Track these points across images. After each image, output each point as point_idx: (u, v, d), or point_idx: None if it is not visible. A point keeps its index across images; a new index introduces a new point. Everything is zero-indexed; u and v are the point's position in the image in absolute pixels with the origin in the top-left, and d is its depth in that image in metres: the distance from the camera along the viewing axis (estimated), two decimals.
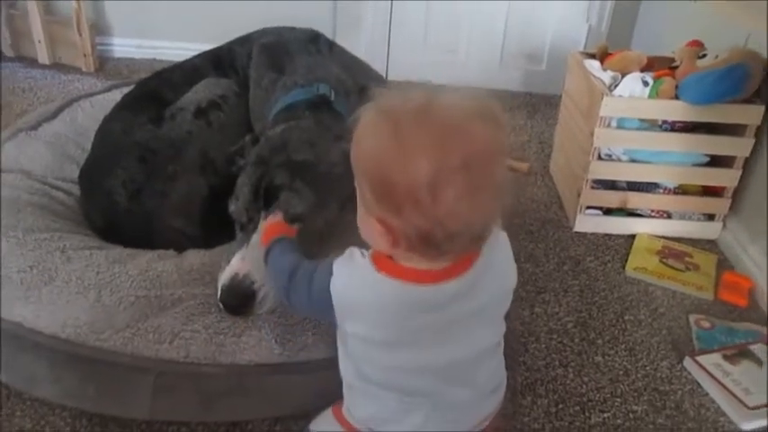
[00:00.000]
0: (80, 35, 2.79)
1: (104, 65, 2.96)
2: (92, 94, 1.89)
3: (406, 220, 0.72)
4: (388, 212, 0.73)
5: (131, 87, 1.66)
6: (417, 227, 0.73)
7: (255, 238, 1.19)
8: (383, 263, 0.81)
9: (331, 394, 0.96)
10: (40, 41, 2.83)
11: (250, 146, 1.31)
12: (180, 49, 1.63)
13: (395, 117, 0.72)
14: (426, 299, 0.80)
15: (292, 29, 1.74)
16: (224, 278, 1.16)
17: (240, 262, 1.16)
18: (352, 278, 0.83)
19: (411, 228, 0.73)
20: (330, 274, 0.84)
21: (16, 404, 1.20)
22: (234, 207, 1.24)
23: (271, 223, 1.10)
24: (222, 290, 1.15)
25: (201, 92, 1.53)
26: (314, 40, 1.67)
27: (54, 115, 1.74)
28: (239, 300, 1.15)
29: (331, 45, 1.70)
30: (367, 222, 0.77)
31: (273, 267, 0.99)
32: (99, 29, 2.99)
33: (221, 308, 1.16)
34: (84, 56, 2.84)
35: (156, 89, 1.56)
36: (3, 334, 1.13)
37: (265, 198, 1.19)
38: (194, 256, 1.29)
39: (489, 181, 0.73)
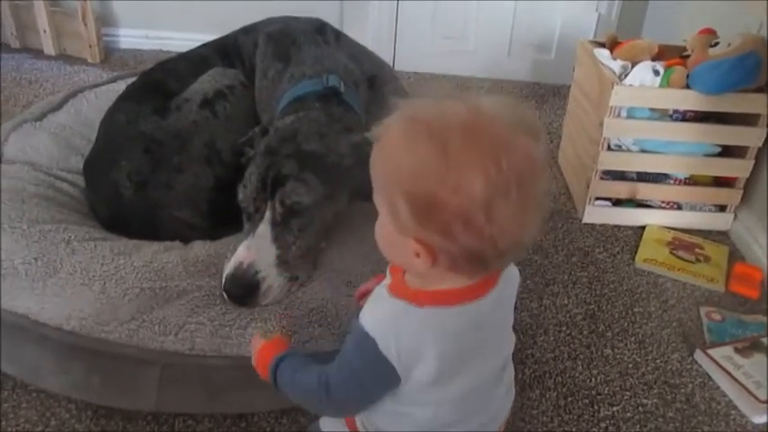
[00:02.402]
0: (85, 26, 2.78)
1: (110, 56, 2.95)
2: (97, 85, 1.88)
3: (454, 240, 0.68)
4: (431, 232, 0.69)
5: (136, 78, 1.64)
6: (467, 246, 0.68)
7: (262, 228, 1.17)
8: (418, 296, 0.75)
9: None
10: (45, 32, 2.82)
11: (259, 137, 1.30)
12: (186, 40, 1.62)
13: (439, 133, 0.68)
14: (474, 317, 0.77)
15: (298, 18, 1.72)
16: (228, 267, 1.15)
17: (245, 251, 1.16)
18: (401, 328, 0.74)
19: (458, 248, 0.69)
20: (369, 341, 0.74)
21: (22, 396, 1.20)
22: (242, 195, 1.23)
23: (258, 349, 0.94)
24: (226, 279, 1.15)
25: (207, 82, 1.52)
26: (320, 30, 1.66)
27: (59, 106, 1.73)
28: (243, 289, 1.14)
29: (338, 35, 1.69)
30: (398, 242, 0.72)
31: (297, 392, 0.86)
32: (105, 20, 2.98)
33: (225, 298, 1.15)
34: (90, 47, 2.83)
35: (161, 80, 1.55)
36: (8, 326, 1.13)
37: (272, 187, 1.18)
38: (200, 248, 1.28)
39: (536, 194, 0.70)
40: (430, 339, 0.74)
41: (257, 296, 1.15)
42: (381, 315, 0.76)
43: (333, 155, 1.23)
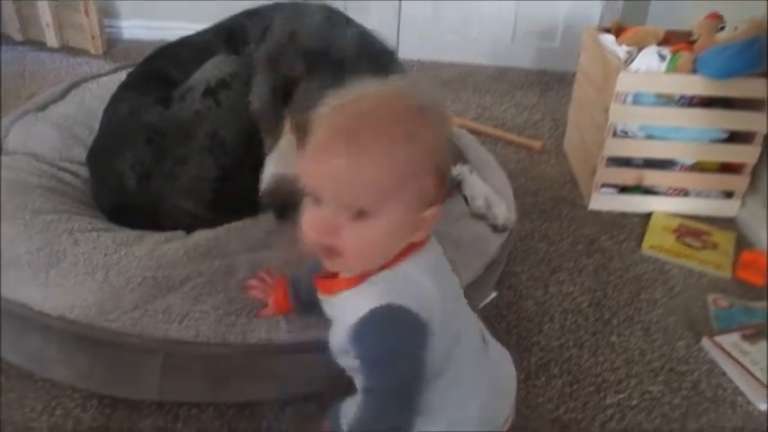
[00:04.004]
0: (87, 18, 2.77)
1: (113, 47, 2.95)
2: (99, 76, 1.87)
3: (445, 183, 0.76)
4: (440, 189, 0.75)
5: (137, 65, 1.63)
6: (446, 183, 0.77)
7: (283, 141, 1.15)
8: (385, 266, 0.78)
9: (342, 376, 0.95)
10: (48, 25, 2.82)
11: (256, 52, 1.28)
12: (189, 31, 1.60)
13: (419, 108, 0.75)
14: (428, 261, 0.82)
15: (307, 4, 1.70)
16: (265, 183, 1.14)
17: (275, 166, 1.14)
18: (405, 288, 0.77)
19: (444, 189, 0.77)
20: (402, 312, 0.75)
21: (27, 385, 1.20)
22: (258, 107, 1.22)
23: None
24: (264, 194, 1.14)
25: (210, 70, 1.50)
26: (330, 15, 1.64)
27: (61, 96, 1.73)
28: (283, 200, 1.13)
29: (348, 19, 1.67)
30: (406, 229, 0.76)
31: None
32: (107, 11, 2.97)
33: (269, 213, 1.14)
34: (93, 38, 2.83)
35: (163, 67, 1.53)
36: (12, 316, 1.13)
37: (284, 95, 1.17)
38: (200, 234, 1.28)
39: None
40: (425, 280, 0.78)
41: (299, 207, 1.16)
42: (385, 290, 0.76)
43: (336, 49, 1.20)
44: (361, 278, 0.79)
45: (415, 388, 0.78)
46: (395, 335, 0.76)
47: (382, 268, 0.78)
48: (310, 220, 0.75)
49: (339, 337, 0.81)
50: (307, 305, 1.07)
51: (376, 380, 0.77)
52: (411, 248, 0.79)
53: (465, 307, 0.91)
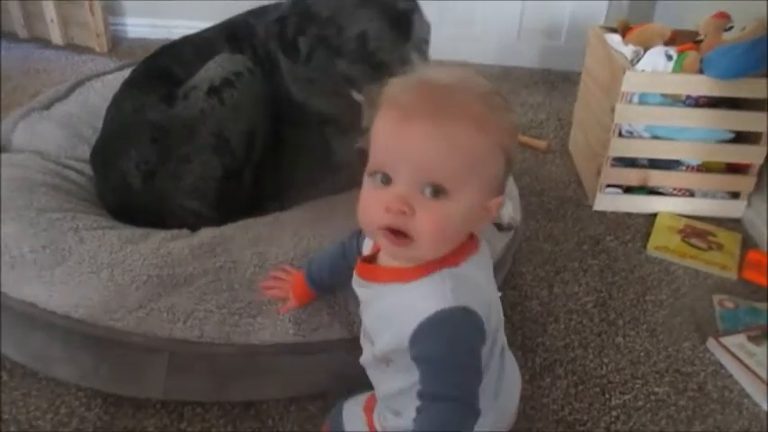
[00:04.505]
0: (92, 15, 2.77)
1: (118, 45, 2.95)
2: (104, 74, 1.88)
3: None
4: (506, 178, 0.75)
5: (140, 63, 1.62)
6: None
7: None
8: (446, 261, 0.74)
9: (346, 375, 0.95)
10: (52, 21, 2.82)
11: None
12: (195, 29, 1.60)
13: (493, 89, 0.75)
14: (478, 265, 0.79)
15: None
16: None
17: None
18: (466, 288, 0.73)
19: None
20: (468, 313, 0.71)
21: (32, 384, 1.20)
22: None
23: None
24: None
25: (214, 69, 1.50)
26: None
27: (66, 95, 1.73)
28: None
29: None
30: (477, 212, 0.73)
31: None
32: (111, 9, 2.97)
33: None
34: (97, 36, 2.83)
35: (167, 65, 1.53)
36: (17, 314, 1.13)
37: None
38: (205, 233, 1.28)
39: None
40: (485, 282, 0.78)
41: None
42: (454, 290, 0.71)
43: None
44: (418, 272, 0.73)
45: (477, 392, 0.72)
46: (465, 338, 0.71)
47: (446, 265, 0.73)
48: (379, 201, 0.70)
49: (384, 330, 0.77)
50: (326, 288, 1.10)
51: (443, 384, 0.70)
52: (472, 247, 0.77)
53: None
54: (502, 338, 0.87)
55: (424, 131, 0.67)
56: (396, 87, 0.72)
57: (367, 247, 0.86)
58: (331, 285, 1.08)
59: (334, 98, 1.41)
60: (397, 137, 0.69)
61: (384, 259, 0.79)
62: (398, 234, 0.70)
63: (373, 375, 0.86)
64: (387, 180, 0.70)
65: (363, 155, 0.74)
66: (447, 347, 0.70)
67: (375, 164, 0.71)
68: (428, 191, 0.68)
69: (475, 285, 0.75)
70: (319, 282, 1.08)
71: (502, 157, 0.72)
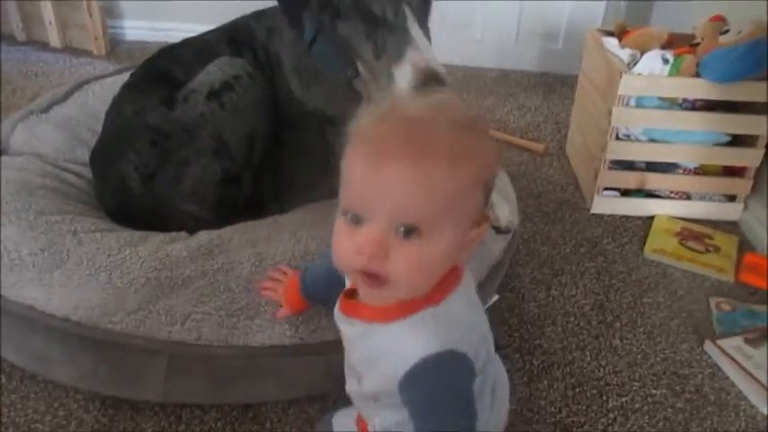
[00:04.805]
0: (91, 18, 2.78)
1: (116, 48, 2.95)
2: (102, 77, 1.88)
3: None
4: (485, 207, 0.73)
5: (140, 65, 1.63)
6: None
7: (414, 29, 1.20)
8: (429, 299, 0.71)
9: (344, 377, 0.95)
10: (50, 24, 2.82)
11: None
12: (193, 32, 1.60)
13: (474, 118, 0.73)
14: (461, 297, 0.77)
15: None
16: (407, 66, 1.18)
17: (416, 52, 1.18)
18: (455, 328, 0.71)
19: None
20: (456, 356, 0.69)
21: (30, 386, 1.20)
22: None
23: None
24: (416, 73, 1.17)
25: (214, 72, 1.50)
26: None
27: (65, 98, 1.73)
28: (433, 78, 1.16)
29: None
30: (456, 248, 0.69)
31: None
32: (110, 12, 2.98)
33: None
34: (96, 39, 2.83)
35: (167, 68, 1.53)
36: (15, 317, 1.13)
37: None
38: (203, 235, 1.28)
39: None
40: (470, 316, 0.76)
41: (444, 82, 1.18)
42: (437, 333, 0.69)
43: None
44: (399, 312, 0.71)
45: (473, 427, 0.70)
46: (453, 382, 0.69)
47: (427, 304, 0.71)
48: (352, 244, 0.67)
49: (372, 372, 0.75)
50: (320, 300, 1.07)
51: (435, 426, 0.68)
52: (454, 281, 0.74)
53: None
54: (494, 358, 0.84)
55: (398, 173, 0.64)
56: (368, 120, 0.68)
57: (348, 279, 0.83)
58: (325, 299, 1.01)
59: (336, 93, 1.40)
60: (370, 178, 0.65)
61: (364, 296, 0.76)
62: (373, 276, 0.67)
63: (362, 407, 0.84)
64: (358, 220, 0.67)
65: None
66: (436, 393, 0.68)
67: (346, 203, 0.68)
68: (402, 232, 0.65)
69: (458, 323, 0.72)
70: (313, 294, 1.06)
71: (480, 190, 0.69)
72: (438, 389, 0.68)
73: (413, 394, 0.69)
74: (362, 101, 1.38)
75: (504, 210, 1.44)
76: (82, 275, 1.15)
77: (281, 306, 1.11)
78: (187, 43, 1.59)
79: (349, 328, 0.78)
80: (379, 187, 0.65)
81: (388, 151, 0.64)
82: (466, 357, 0.69)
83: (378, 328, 0.73)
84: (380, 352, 0.73)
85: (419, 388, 0.68)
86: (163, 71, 1.52)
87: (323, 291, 1.00)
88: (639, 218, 1.87)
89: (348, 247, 0.67)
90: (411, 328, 0.70)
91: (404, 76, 1.19)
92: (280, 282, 1.14)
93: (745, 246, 1.78)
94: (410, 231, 0.65)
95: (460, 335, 0.71)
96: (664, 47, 1.81)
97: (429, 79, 1.17)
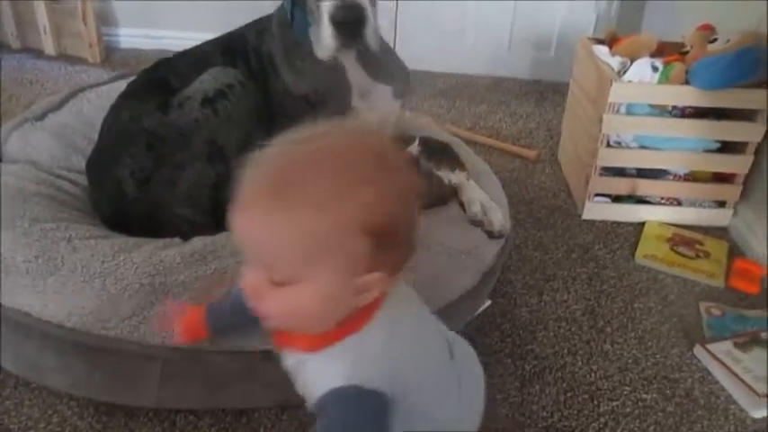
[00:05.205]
0: (85, 25, 2.79)
1: (111, 55, 2.96)
2: (98, 85, 1.89)
3: (401, 244, 0.70)
4: (387, 253, 0.67)
5: (138, 75, 1.64)
6: (409, 244, 0.71)
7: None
8: (348, 327, 0.71)
9: None
10: (45, 32, 2.83)
11: None
12: (188, 39, 1.62)
13: (362, 154, 0.68)
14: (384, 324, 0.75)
15: None
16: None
17: None
18: (365, 356, 0.71)
19: (404, 250, 0.71)
20: (371, 396, 0.69)
21: (24, 393, 1.20)
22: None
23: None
24: (334, 8, 1.24)
25: (207, 81, 1.52)
26: None
27: (60, 105, 1.74)
28: (353, 16, 1.25)
29: None
30: (342, 295, 0.68)
31: None
32: (105, 19, 2.98)
33: (333, 31, 1.27)
34: (90, 46, 2.84)
35: (164, 77, 1.55)
36: (10, 323, 1.13)
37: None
38: (197, 241, 1.29)
39: None
40: (394, 345, 0.73)
41: (364, 26, 1.28)
42: (350, 366, 0.70)
43: None
44: (321, 341, 0.72)
45: None
46: (357, 418, 0.69)
47: (347, 332, 0.71)
48: (242, 280, 0.69)
49: (310, 401, 0.75)
50: (228, 332, 1.01)
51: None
52: (372, 309, 0.72)
53: (436, 338, 0.85)
54: (445, 365, 0.84)
55: (255, 222, 0.65)
56: (250, 165, 0.67)
57: None
58: (232, 330, 0.98)
59: (322, 73, 1.45)
60: (235, 225, 0.66)
61: None
62: (261, 314, 0.70)
63: None
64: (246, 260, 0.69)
65: None
66: (336, 426, 0.69)
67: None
68: (270, 279, 0.66)
69: (380, 351, 0.71)
70: (216, 323, 0.95)
71: (362, 235, 0.64)
72: (341, 424, 0.68)
73: (319, 424, 0.70)
74: (347, 80, 1.45)
75: (498, 214, 1.46)
76: (76, 282, 1.15)
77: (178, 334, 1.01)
78: (184, 54, 1.61)
79: (288, 358, 0.79)
80: (242, 235, 0.66)
81: (250, 200, 0.65)
82: (374, 393, 0.69)
83: (307, 357, 0.74)
84: (311, 380, 0.75)
85: (323, 419, 0.69)
86: (160, 80, 1.54)
87: (229, 320, 0.95)
88: (630, 224, 1.89)
89: (241, 282, 0.70)
90: (328, 358, 0.71)
91: (326, 11, 1.28)
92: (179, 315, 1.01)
93: (734, 251, 1.79)
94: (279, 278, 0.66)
95: (373, 368, 0.70)
96: (653, 55, 1.83)
97: (348, 13, 1.26)
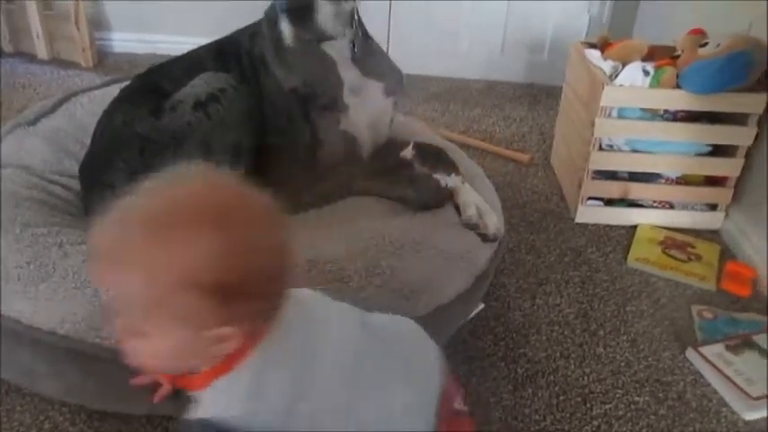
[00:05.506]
0: (78, 29, 2.78)
1: (104, 60, 2.95)
2: (90, 89, 1.88)
3: (263, 296, 0.70)
4: (237, 304, 0.68)
5: (131, 80, 1.64)
6: (276, 293, 0.72)
7: None
8: (223, 367, 0.74)
9: None
10: (38, 36, 2.82)
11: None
12: (181, 44, 1.62)
13: (194, 213, 0.68)
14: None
15: None
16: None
17: None
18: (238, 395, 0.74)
19: (269, 300, 0.72)
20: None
21: (16, 399, 1.20)
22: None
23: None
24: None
25: (199, 86, 1.52)
26: None
27: (52, 110, 1.73)
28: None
29: None
30: (196, 345, 0.69)
31: None
32: (98, 23, 2.98)
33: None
34: (83, 51, 2.83)
35: (157, 81, 1.55)
36: (2, 330, 1.13)
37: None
38: None
39: None
40: (266, 384, 0.74)
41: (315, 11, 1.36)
42: (212, 402, 0.74)
43: None
44: (204, 379, 0.75)
45: None
46: None
47: (220, 373, 0.74)
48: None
49: None
50: None
51: None
52: (246, 350, 0.73)
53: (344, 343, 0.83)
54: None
55: (100, 276, 0.70)
56: (104, 217, 0.69)
57: None
58: None
59: (312, 65, 1.48)
60: (89, 272, 0.71)
61: None
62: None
63: None
64: None
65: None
66: None
67: None
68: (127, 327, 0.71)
69: (247, 389, 0.73)
70: None
71: (197, 292, 0.65)
72: None
73: None
74: (338, 75, 1.47)
75: (493, 218, 1.46)
76: (68, 288, 1.15)
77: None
78: (177, 59, 1.62)
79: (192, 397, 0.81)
80: (95, 284, 0.71)
81: (94, 254, 0.68)
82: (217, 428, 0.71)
83: (198, 395, 0.77)
84: None
85: None
86: (153, 85, 1.54)
87: None
88: (623, 227, 1.90)
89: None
90: (207, 391, 0.75)
91: None
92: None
93: (726, 254, 1.80)
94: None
95: (243, 403, 0.73)
96: (645, 59, 1.84)
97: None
